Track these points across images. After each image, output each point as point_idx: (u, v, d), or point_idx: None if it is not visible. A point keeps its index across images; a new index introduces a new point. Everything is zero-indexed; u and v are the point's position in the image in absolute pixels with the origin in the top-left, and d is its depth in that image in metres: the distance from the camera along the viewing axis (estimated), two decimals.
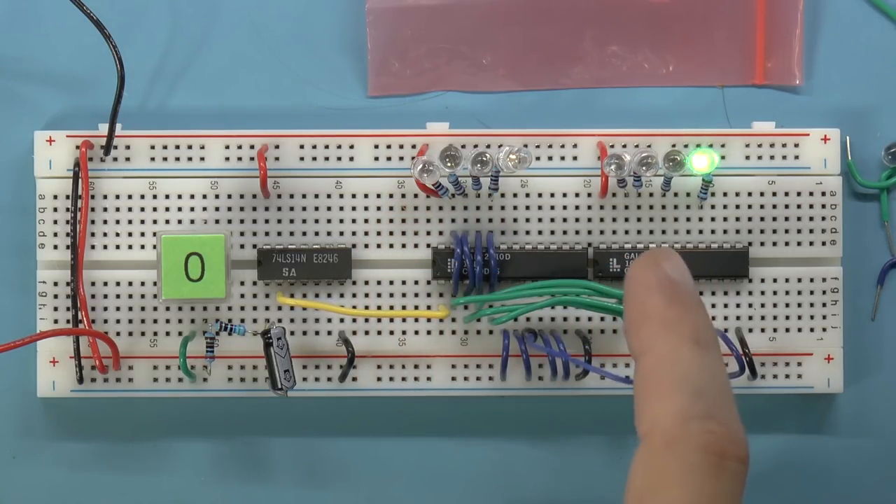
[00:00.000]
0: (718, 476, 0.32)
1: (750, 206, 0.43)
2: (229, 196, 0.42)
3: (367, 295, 0.43)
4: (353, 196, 0.43)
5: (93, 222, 0.42)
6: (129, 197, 0.42)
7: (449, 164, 0.40)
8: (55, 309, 0.42)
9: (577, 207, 0.43)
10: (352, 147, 0.43)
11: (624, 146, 0.43)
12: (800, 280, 0.43)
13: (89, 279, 0.42)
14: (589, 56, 0.44)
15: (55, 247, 0.42)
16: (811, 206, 0.43)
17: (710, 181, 0.42)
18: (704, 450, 0.32)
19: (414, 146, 0.43)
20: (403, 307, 0.43)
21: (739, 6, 0.44)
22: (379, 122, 0.44)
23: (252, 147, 0.42)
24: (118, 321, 0.42)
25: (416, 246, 0.43)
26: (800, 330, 0.43)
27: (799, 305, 0.43)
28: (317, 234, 0.43)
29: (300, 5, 0.44)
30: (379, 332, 0.43)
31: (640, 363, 0.34)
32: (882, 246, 0.44)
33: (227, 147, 0.42)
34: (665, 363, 0.34)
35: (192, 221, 0.42)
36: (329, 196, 0.43)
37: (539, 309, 0.42)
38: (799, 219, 0.43)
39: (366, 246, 0.43)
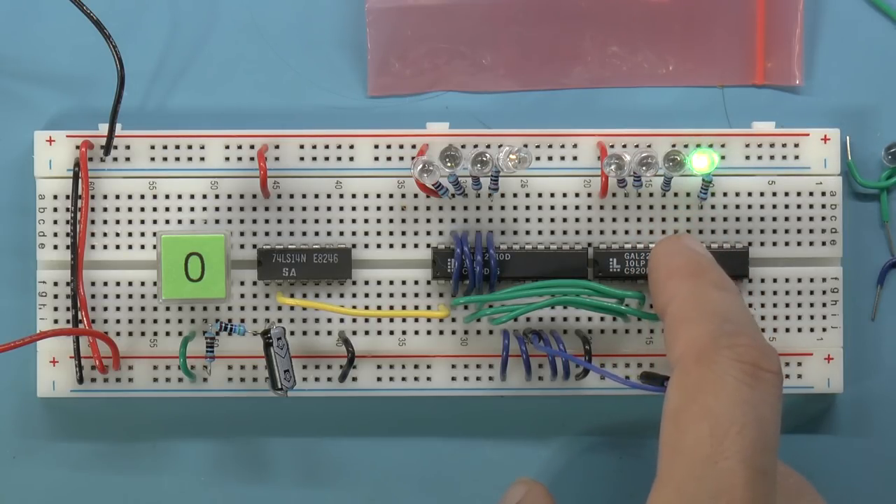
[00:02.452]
0: (754, 385, 0.32)
1: (750, 206, 0.43)
2: (229, 196, 0.42)
3: (367, 295, 0.43)
4: (353, 196, 0.43)
5: (93, 222, 0.42)
6: (129, 197, 0.42)
7: (449, 164, 0.40)
8: (55, 309, 0.42)
9: (577, 207, 0.43)
10: (352, 147, 0.43)
11: (624, 146, 0.43)
12: (800, 280, 0.43)
13: (89, 279, 0.42)
14: (589, 56, 0.44)
15: (55, 247, 0.42)
16: (811, 206, 0.43)
17: (710, 181, 0.42)
18: (737, 360, 0.32)
19: (414, 146, 0.43)
20: (403, 307, 0.43)
21: (739, 6, 0.44)
22: (379, 122, 0.44)
23: (252, 147, 0.42)
24: (118, 321, 0.42)
25: (416, 246, 0.43)
26: (800, 330, 0.43)
27: (799, 305, 0.43)
28: (317, 234, 0.43)
29: (300, 5, 0.44)
30: (379, 332, 0.43)
31: (668, 310, 0.36)
32: (882, 246, 0.44)
33: (227, 147, 0.42)
34: (691, 300, 0.35)
35: (192, 221, 0.42)
36: (329, 196, 0.43)
37: (539, 309, 0.42)
38: (799, 219, 0.43)
39: (366, 246, 0.43)
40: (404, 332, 0.43)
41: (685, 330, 0.34)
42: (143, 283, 0.42)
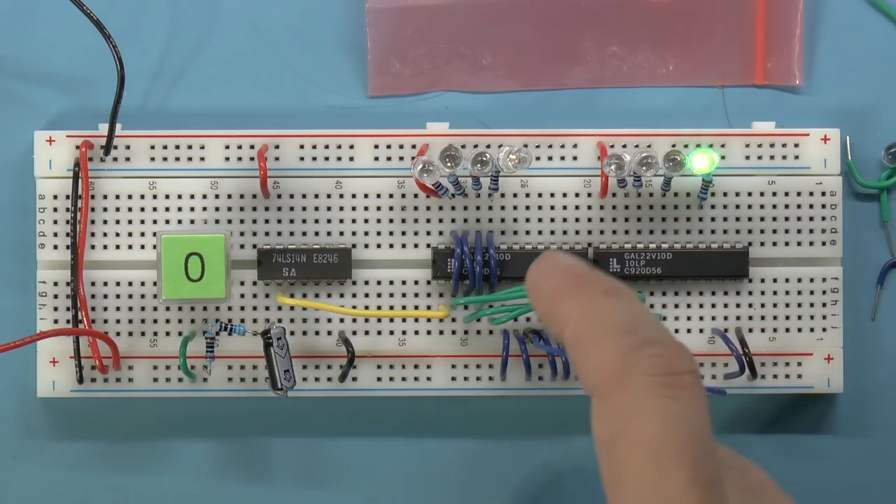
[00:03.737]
0: (676, 394, 0.31)
1: (750, 206, 0.43)
2: (229, 196, 0.42)
3: (367, 295, 0.43)
4: (353, 196, 0.43)
5: (93, 222, 0.42)
6: (129, 197, 0.42)
7: (449, 164, 0.40)
8: (55, 309, 0.42)
9: (577, 207, 0.43)
10: (352, 147, 0.43)
11: (624, 146, 0.43)
12: (800, 280, 0.43)
13: (89, 279, 0.42)
14: (589, 56, 0.44)
15: (55, 247, 0.42)
16: (811, 206, 0.43)
17: (710, 181, 0.42)
18: (652, 374, 0.31)
19: (414, 146, 0.43)
20: (403, 307, 0.43)
21: (739, 6, 0.44)
22: (379, 122, 0.44)
23: (252, 147, 0.42)
24: (118, 321, 0.42)
25: (416, 246, 0.43)
26: (800, 330, 0.43)
27: (799, 305, 0.43)
28: (317, 234, 0.43)
29: (300, 5, 0.44)
30: (379, 332, 0.43)
31: (565, 337, 0.33)
32: (882, 246, 0.44)
33: (227, 147, 0.42)
34: (585, 320, 0.33)
35: (192, 221, 0.42)
36: (329, 196, 0.43)
37: None
38: (799, 219, 0.43)
39: (366, 246, 0.43)
40: (404, 332, 0.43)
41: (588, 355, 0.32)
42: (143, 283, 0.42)
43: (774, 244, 0.43)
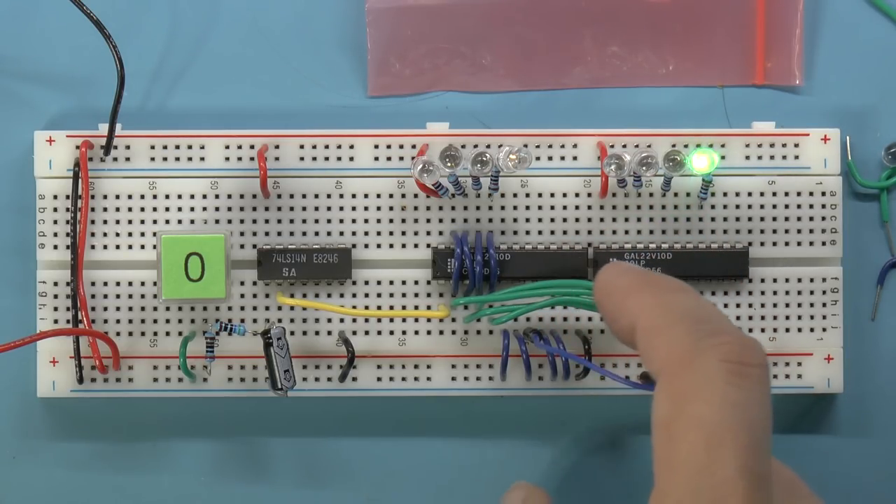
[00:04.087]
0: (741, 383, 0.32)
1: (750, 206, 0.43)
2: (229, 196, 0.42)
3: (367, 295, 0.43)
4: (353, 196, 0.43)
5: (93, 222, 0.42)
6: (129, 197, 0.42)
7: (449, 164, 0.40)
8: (55, 309, 0.42)
9: (577, 207, 0.43)
10: (352, 147, 0.43)
11: (624, 146, 0.43)
12: (800, 280, 0.43)
13: (89, 279, 0.42)
14: (589, 56, 0.44)
15: (55, 247, 0.42)
16: (811, 206, 0.43)
17: (710, 181, 0.42)
18: (722, 359, 0.32)
19: (414, 146, 0.43)
20: (403, 307, 0.43)
21: (739, 6, 0.44)
22: (379, 122, 0.44)
23: (252, 147, 0.42)
24: (118, 321, 0.42)
25: (416, 246, 0.43)
26: (800, 330, 0.43)
27: (799, 305, 0.43)
28: (317, 234, 0.43)
29: (300, 5, 0.44)
30: (379, 332, 0.43)
31: (638, 326, 0.34)
32: (882, 246, 0.44)
33: (227, 147, 0.42)
34: (659, 309, 0.34)
35: (192, 221, 0.42)
36: (329, 196, 0.43)
37: (539, 309, 0.42)
38: (799, 219, 0.43)
39: (366, 246, 0.43)
40: (404, 332, 0.43)
41: (662, 338, 0.33)
42: (143, 283, 0.42)
43: (774, 244, 0.43)
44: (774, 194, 0.43)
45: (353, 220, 0.43)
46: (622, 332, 0.36)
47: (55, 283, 0.42)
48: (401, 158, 0.43)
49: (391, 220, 0.43)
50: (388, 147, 0.43)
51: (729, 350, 0.32)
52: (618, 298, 0.36)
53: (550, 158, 0.43)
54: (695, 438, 0.31)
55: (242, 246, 0.43)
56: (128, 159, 0.42)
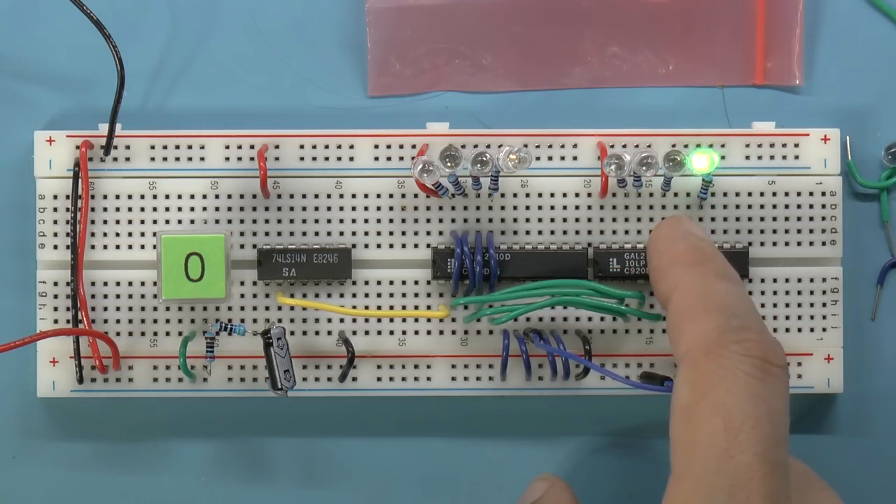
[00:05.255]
0: (764, 379, 0.32)
1: (750, 206, 0.43)
2: (229, 196, 0.42)
3: (367, 295, 0.43)
4: (353, 196, 0.43)
5: (93, 222, 0.42)
6: (129, 197, 0.42)
7: (449, 164, 0.40)
8: (55, 309, 0.42)
9: (577, 207, 0.43)
10: (352, 147, 0.43)
11: (624, 146, 0.43)
12: (800, 280, 0.43)
13: (89, 279, 0.42)
14: (589, 56, 0.44)
15: (55, 247, 0.42)
16: (811, 206, 0.43)
17: (710, 181, 0.42)
18: (746, 354, 0.33)
19: (414, 146, 0.43)
20: (403, 307, 0.43)
21: (739, 6, 0.44)
22: (379, 122, 0.44)
23: (252, 147, 0.42)
24: (118, 321, 0.42)
25: (416, 246, 0.43)
26: (800, 330, 0.43)
27: (799, 305, 0.43)
28: (317, 234, 0.43)
29: (300, 5, 0.44)
30: (379, 332, 0.43)
31: (672, 301, 0.36)
32: (882, 246, 0.44)
33: (227, 147, 0.42)
34: (696, 292, 0.35)
35: (192, 221, 0.42)
36: (329, 196, 0.43)
37: (539, 309, 0.42)
38: (799, 219, 0.43)
39: (366, 246, 0.43)
40: (404, 332, 0.43)
41: (691, 324, 0.34)
42: (143, 283, 0.42)
43: (774, 244, 0.43)
44: (774, 194, 0.43)
45: (353, 220, 0.43)
46: (658, 294, 0.37)
47: (55, 283, 0.42)
48: (401, 158, 0.43)
49: (391, 220, 0.43)
50: (388, 147, 0.43)
51: (754, 346, 0.33)
52: (665, 262, 0.37)
53: (550, 158, 0.43)
54: (715, 423, 0.32)
55: (242, 246, 0.43)
56: (128, 159, 0.42)
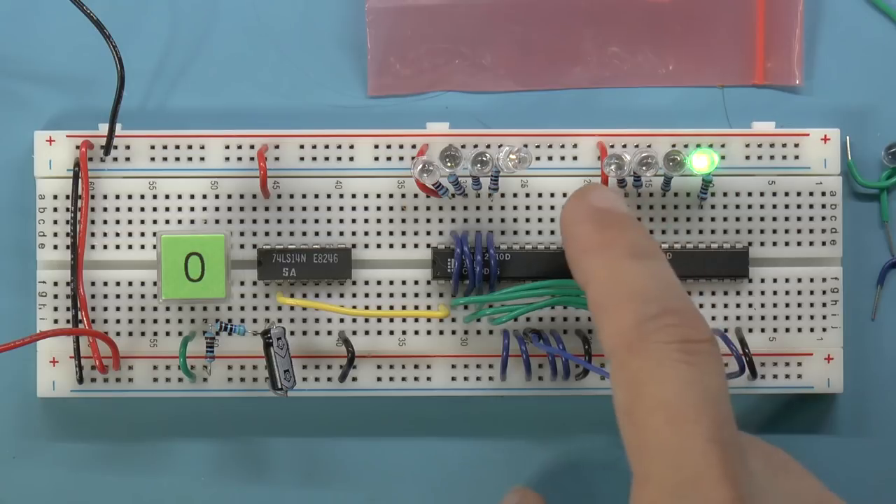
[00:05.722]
0: (691, 361, 0.32)
1: (750, 206, 0.43)
2: (229, 196, 0.42)
3: (367, 295, 0.43)
4: (353, 196, 0.43)
5: (93, 222, 0.42)
6: (129, 197, 0.42)
7: (449, 164, 0.40)
8: (55, 309, 0.42)
9: None
10: (352, 147, 0.43)
11: (624, 146, 0.43)
12: (800, 280, 0.43)
13: (89, 279, 0.42)
14: (589, 56, 0.44)
15: (55, 247, 0.42)
16: (811, 206, 0.43)
17: (710, 181, 0.42)
18: (667, 341, 0.32)
19: (414, 146, 0.43)
20: (403, 307, 0.43)
21: (739, 6, 0.44)
22: (379, 122, 0.44)
23: (252, 147, 0.42)
24: (118, 321, 0.42)
25: (416, 246, 0.43)
26: (800, 330, 0.43)
27: (799, 305, 0.43)
28: (317, 234, 0.43)
29: (300, 5, 0.44)
30: (379, 332, 0.43)
31: (587, 295, 0.35)
32: (882, 246, 0.44)
33: (227, 147, 0.42)
34: (608, 284, 0.34)
35: (192, 221, 0.42)
36: (329, 196, 0.43)
37: (539, 309, 0.42)
38: (799, 219, 0.43)
39: (366, 246, 0.43)
40: (404, 332, 0.43)
41: (608, 319, 0.33)
42: (143, 283, 0.42)
43: (774, 244, 0.43)
44: (774, 194, 0.43)
45: (353, 220, 0.43)
46: (577, 282, 0.36)
47: (55, 283, 0.42)
48: (401, 158, 0.43)
49: (391, 220, 0.43)
50: (388, 147, 0.43)
51: (674, 332, 0.32)
52: (574, 250, 0.36)
53: (550, 158, 0.43)
54: (658, 420, 0.31)
55: (242, 246, 0.43)
56: (128, 159, 0.42)
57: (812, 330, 0.43)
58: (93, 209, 0.42)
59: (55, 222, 0.42)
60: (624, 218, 0.36)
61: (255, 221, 0.43)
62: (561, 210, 0.37)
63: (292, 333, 0.43)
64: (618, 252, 0.35)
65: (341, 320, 0.43)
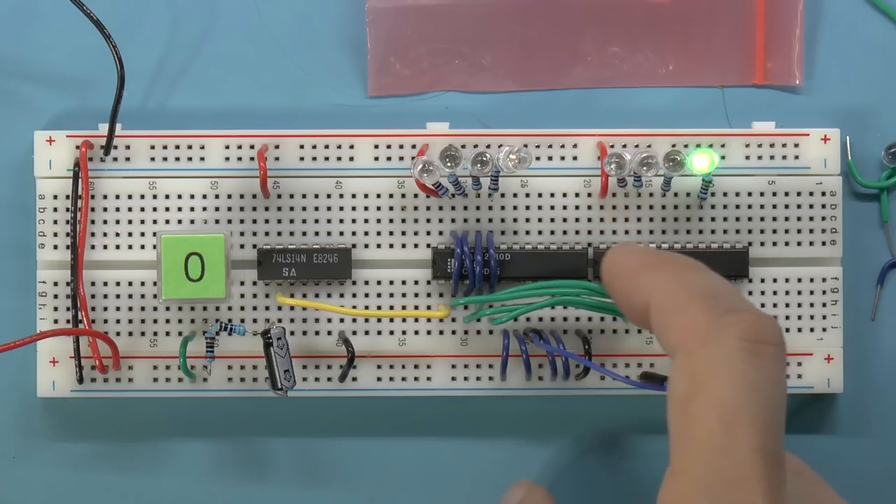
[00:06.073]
0: (758, 363, 0.32)
1: (750, 206, 0.43)
2: (229, 196, 0.42)
3: (367, 295, 0.43)
4: (353, 196, 0.43)
5: (93, 222, 0.42)
6: (129, 197, 0.42)
7: (449, 164, 0.40)
8: (55, 309, 0.42)
9: (577, 207, 0.43)
10: (352, 147, 0.43)
11: (624, 146, 0.43)
12: (800, 280, 0.43)
13: (89, 279, 0.42)
14: (589, 56, 0.44)
15: (55, 247, 0.42)
16: (811, 206, 0.43)
17: (710, 181, 0.42)
18: (740, 337, 0.32)
19: (414, 146, 0.43)
20: (403, 307, 0.43)
21: (739, 6, 0.44)
22: (379, 122, 0.44)
23: (252, 147, 0.42)
24: (118, 321, 0.42)
25: (416, 246, 0.43)
26: (800, 330, 0.43)
27: (799, 305, 0.43)
28: (317, 234, 0.43)
29: (300, 5, 0.44)
30: (379, 332, 0.43)
31: (651, 303, 0.34)
32: (882, 246, 0.44)
33: (227, 147, 0.42)
34: (675, 286, 0.34)
35: (192, 221, 0.42)
36: (329, 196, 0.43)
37: (539, 309, 0.42)
38: (799, 219, 0.43)
39: (366, 246, 0.43)
40: (404, 332, 0.43)
41: (679, 315, 0.33)
42: (143, 283, 0.42)
43: (774, 244, 0.43)
44: (774, 194, 0.43)
45: (353, 220, 0.43)
46: (634, 313, 0.36)
47: (55, 283, 0.42)
48: (401, 158, 0.43)
49: (391, 220, 0.43)
50: (388, 147, 0.43)
51: (747, 328, 0.32)
52: (629, 278, 0.36)
53: (550, 158, 0.43)
54: (712, 418, 0.31)
55: (242, 246, 0.43)
56: (128, 159, 0.42)
57: (812, 330, 0.43)
58: (93, 209, 0.42)
59: (55, 222, 0.42)
60: (669, 252, 0.37)
61: (255, 221, 0.43)
62: (603, 259, 0.37)
63: (292, 333, 0.43)
64: (677, 266, 0.35)
65: (341, 320, 0.43)
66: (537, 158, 0.43)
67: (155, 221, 0.42)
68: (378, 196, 0.43)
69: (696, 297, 0.33)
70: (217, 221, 0.42)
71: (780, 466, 0.32)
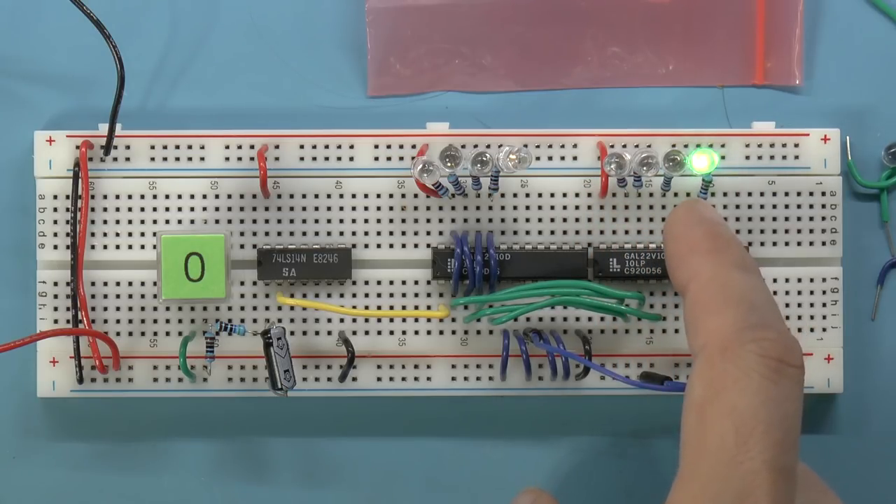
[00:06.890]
0: (777, 380, 0.32)
1: (750, 206, 0.43)
2: (229, 196, 0.42)
3: (367, 295, 0.43)
4: (353, 196, 0.43)
5: (93, 222, 0.42)
6: (129, 197, 0.42)
7: (449, 164, 0.40)
8: (55, 309, 0.42)
9: (577, 207, 0.43)
10: (352, 147, 0.43)
11: (624, 146, 0.43)
12: (800, 280, 0.43)
13: (89, 279, 0.42)
14: (589, 56, 0.44)
15: (55, 247, 0.42)
16: (811, 206, 0.43)
17: (710, 181, 0.42)
18: (762, 355, 0.32)
19: (414, 146, 0.43)
20: (403, 307, 0.43)
21: (739, 6, 0.44)
22: (379, 122, 0.44)
23: (252, 147, 0.42)
24: (118, 321, 0.42)
25: (416, 246, 0.43)
26: (800, 330, 0.43)
27: (799, 305, 0.43)
28: (317, 234, 0.43)
29: (300, 5, 0.44)
30: (379, 332, 0.43)
31: (689, 290, 0.35)
32: (882, 246, 0.44)
33: (227, 147, 0.42)
34: (714, 283, 0.34)
35: (192, 221, 0.42)
36: (329, 196, 0.43)
37: (539, 309, 0.42)
38: (799, 219, 0.43)
39: (366, 246, 0.43)
40: (404, 332, 0.43)
41: (709, 317, 0.34)
42: (143, 283, 0.42)
43: (774, 244, 0.43)
44: (774, 194, 0.43)
45: (353, 220, 0.43)
46: (675, 282, 0.36)
47: (55, 283, 0.42)
48: (401, 158, 0.43)
49: (391, 220, 0.43)
50: (388, 147, 0.43)
51: (771, 346, 0.32)
52: (682, 249, 0.36)
53: (550, 158, 0.43)
54: (726, 426, 0.32)
55: (242, 246, 0.43)
56: (128, 159, 0.42)
57: (812, 330, 0.43)
58: (93, 209, 0.42)
59: (55, 222, 0.42)
60: (733, 235, 0.37)
61: (255, 221, 0.43)
62: (670, 212, 0.37)
63: (292, 333, 0.43)
64: (727, 259, 0.35)
65: (341, 320, 0.43)
66: (537, 158, 0.43)
67: (155, 221, 0.42)
68: (378, 196, 0.43)
69: (732, 303, 0.34)
70: (217, 221, 0.42)
71: (790, 482, 0.32)
